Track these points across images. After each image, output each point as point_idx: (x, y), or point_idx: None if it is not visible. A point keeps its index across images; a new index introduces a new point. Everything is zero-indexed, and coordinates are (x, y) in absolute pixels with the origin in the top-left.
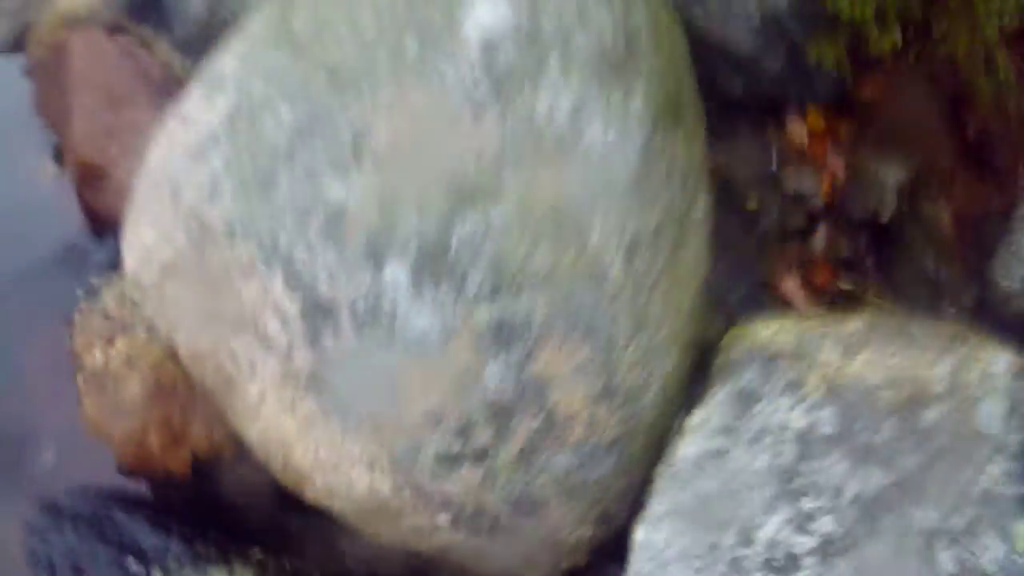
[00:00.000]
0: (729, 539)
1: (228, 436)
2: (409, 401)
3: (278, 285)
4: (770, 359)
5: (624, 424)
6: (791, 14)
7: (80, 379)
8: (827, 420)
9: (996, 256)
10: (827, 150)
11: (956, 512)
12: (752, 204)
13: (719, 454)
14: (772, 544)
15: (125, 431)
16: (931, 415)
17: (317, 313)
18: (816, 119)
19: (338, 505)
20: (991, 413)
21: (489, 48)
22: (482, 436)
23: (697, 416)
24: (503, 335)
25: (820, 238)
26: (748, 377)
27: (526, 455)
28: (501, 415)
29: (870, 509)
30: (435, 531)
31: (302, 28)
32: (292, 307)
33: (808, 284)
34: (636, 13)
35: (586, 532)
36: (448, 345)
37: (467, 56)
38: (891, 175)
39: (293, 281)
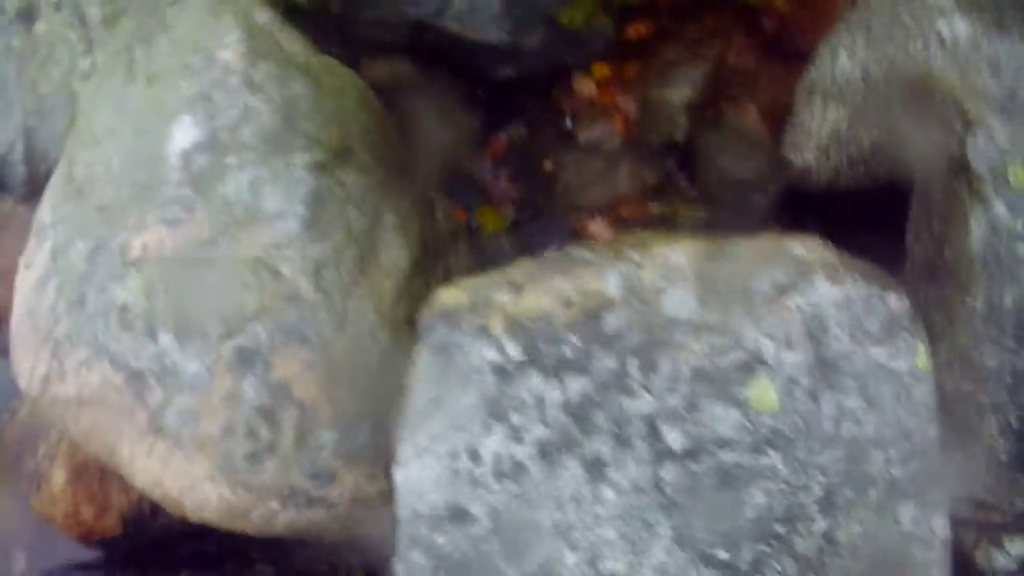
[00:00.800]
0: (464, 463)
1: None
2: (211, 422)
3: (108, 368)
4: (453, 314)
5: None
6: None
7: (21, 485)
8: (514, 349)
9: (786, 135)
10: (616, 95)
11: (671, 393)
12: (548, 166)
13: (436, 400)
14: (497, 458)
15: (63, 513)
16: (613, 319)
17: (135, 380)
18: (600, 70)
19: (208, 516)
20: (681, 300)
21: (186, 161)
22: (264, 433)
23: (411, 373)
24: (245, 359)
25: (622, 175)
26: (441, 332)
27: (302, 439)
28: (268, 415)
29: (578, 410)
30: (275, 515)
31: (80, 177)
32: (120, 381)
33: (617, 219)
34: (292, 88)
35: (383, 486)
36: (213, 377)
37: (173, 171)
38: (677, 97)
39: (115, 364)
